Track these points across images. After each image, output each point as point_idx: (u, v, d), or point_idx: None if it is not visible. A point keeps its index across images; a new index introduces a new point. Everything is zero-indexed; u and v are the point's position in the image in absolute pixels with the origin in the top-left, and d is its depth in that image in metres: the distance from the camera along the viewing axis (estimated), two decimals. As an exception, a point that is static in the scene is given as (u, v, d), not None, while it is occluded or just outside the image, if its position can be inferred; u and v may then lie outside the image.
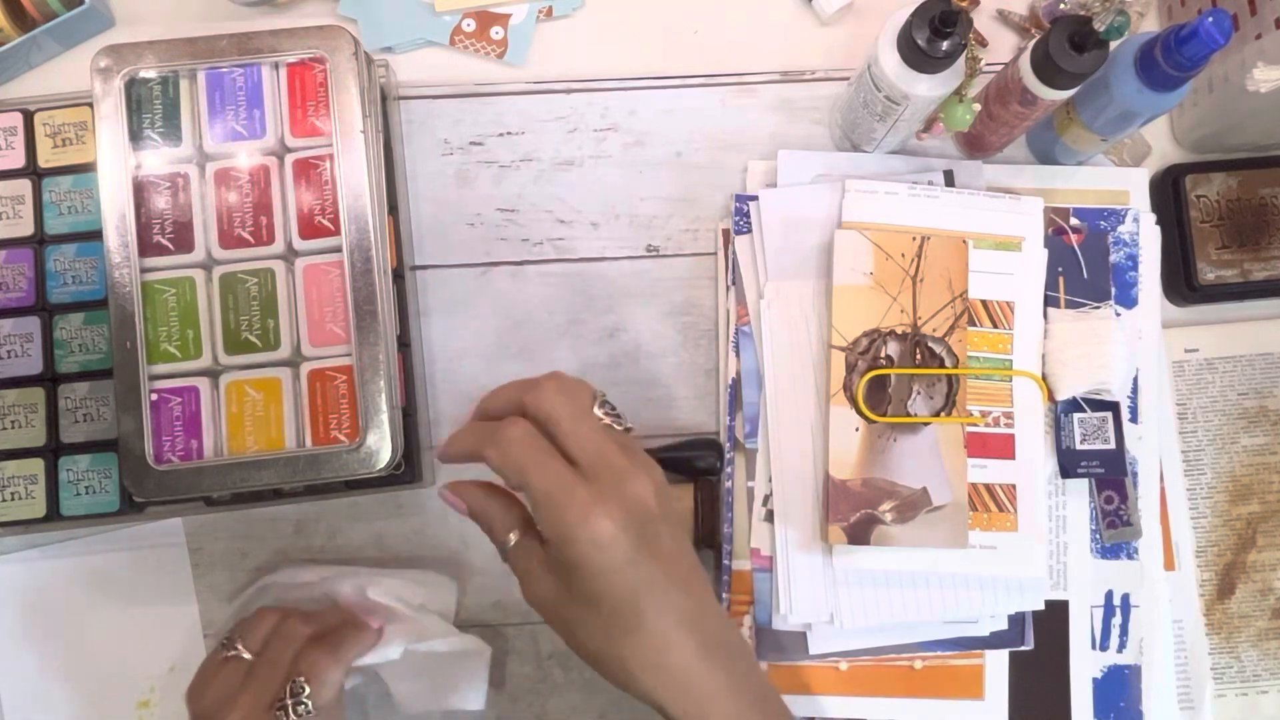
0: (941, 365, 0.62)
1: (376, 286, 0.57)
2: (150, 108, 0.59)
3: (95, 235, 0.62)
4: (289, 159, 0.59)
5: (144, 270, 0.58)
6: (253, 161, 0.59)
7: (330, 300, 0.58)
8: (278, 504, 0.65)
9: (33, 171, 0.63)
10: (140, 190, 0.58)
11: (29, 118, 0.64)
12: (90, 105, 0.63)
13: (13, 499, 0.61)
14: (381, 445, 0.56)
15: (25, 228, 0.63)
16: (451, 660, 0.61)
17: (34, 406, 0.62)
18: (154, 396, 0.57)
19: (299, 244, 0.59)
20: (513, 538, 0.49)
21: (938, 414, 0.62)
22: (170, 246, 0.58)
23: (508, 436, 0.47)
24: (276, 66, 0.60)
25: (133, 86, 0.59)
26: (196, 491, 0.57)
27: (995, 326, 0.64)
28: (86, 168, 0.63)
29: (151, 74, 0.59)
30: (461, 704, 0.62)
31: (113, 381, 0.57)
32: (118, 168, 0.57)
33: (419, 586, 0.63)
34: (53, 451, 0.62)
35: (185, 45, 0.58)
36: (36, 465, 0.61)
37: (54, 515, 0.61)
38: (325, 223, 0.58)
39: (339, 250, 0.58)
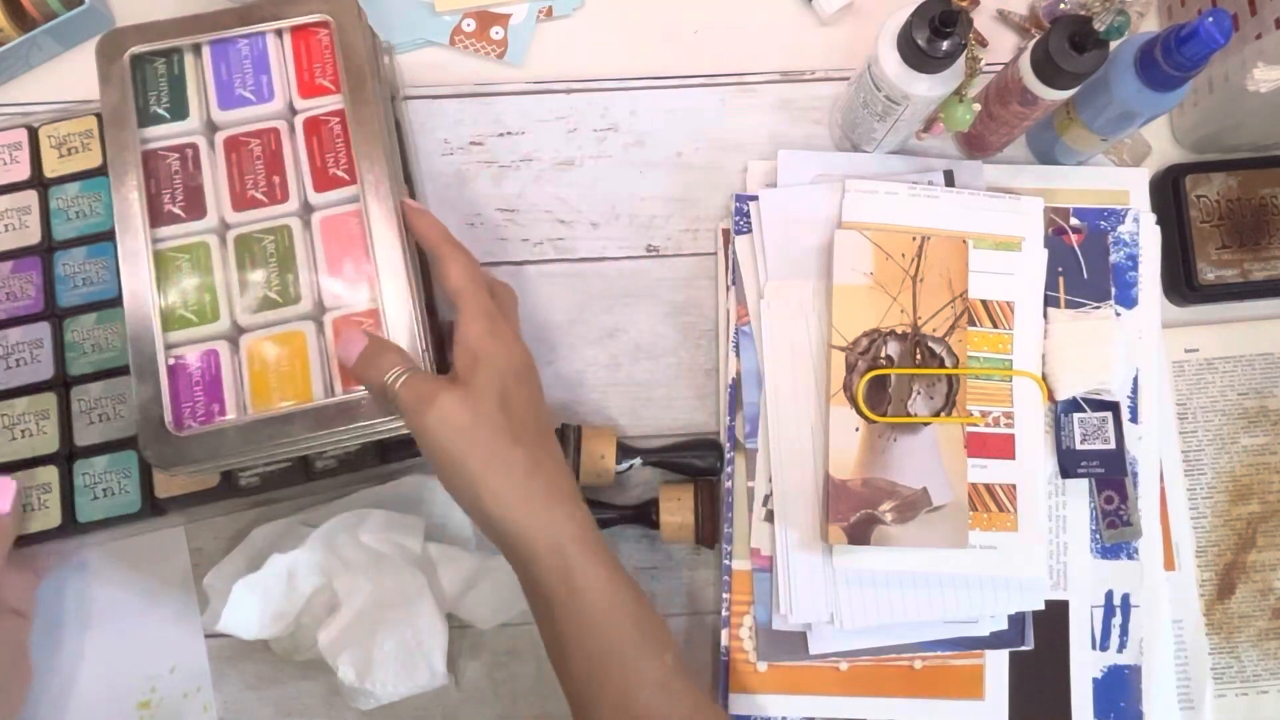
0: (941, 365, 0.62)
1: (396, 221, 0.56)
2: (156, 85, 0.59)
3: (105, 236, 0.62)
4: (299, 119, 0.59)
5: (156, 240, 0.57)
6: (262, 125, 0.59)
7: (351, 248, 0.57)
8: (307, 493, 0.63)
9: (38, 183, 0.64)
10: (149, 162, 0.58)
11: (33, 133, 0.64)
12: (96, 115, 0.64)
13: (26, 511, 0.60)
14: None
15: (32, 236, 0.63)
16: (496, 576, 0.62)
17: (45, 413, 0.61)
18: (171, 361, 0.55)
19: (314, 198, 0.58)
20: (400, 369, 0.52)
21: (938, 414, 0.62)
22: (182, 214, 0.57)
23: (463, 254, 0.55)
24: (280, 34, 0.60)
25: (138, 65, 0.59)
26: (221, 456, 0.54)
27: (995, 326, 0.64)
28: (94, 173, 0.63)
29: (156, 52, 0.59)
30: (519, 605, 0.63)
31: (128, 375, 0.55)
32: (126, 144, 0.57)
33: (399, 525, 0.62)
34: (67, 457, 0.60)
35: (189, 22, 0.59)
36: (50, 473, 0.60)
37: (70, 524, 0.60)
38: (340, 173, 0.58)
39: (356, 200, 0.57)
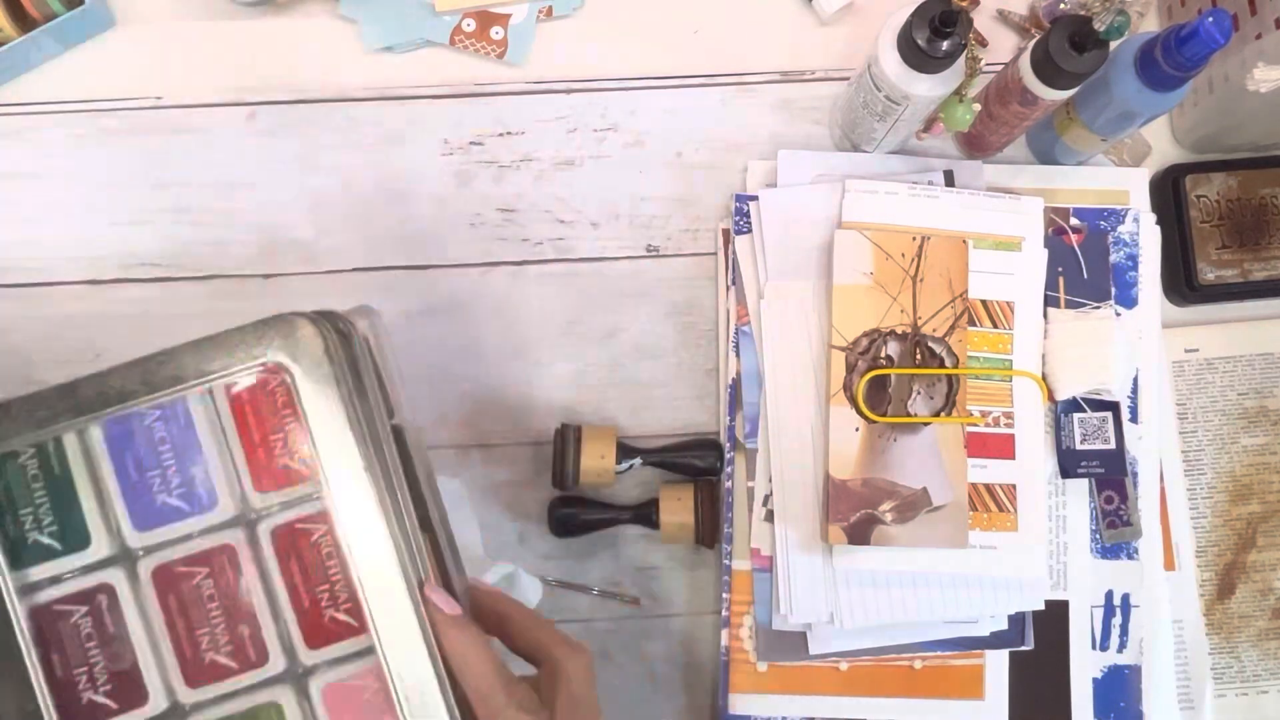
0: (941, 365, 0.62)
1: (440, 685, 0.40)
2: (29, 497, 0.41)
3: None
4: (262, 528, 0.41)
5: None
6: (206, 544, 0.41)
7: None
8: None
9: None
10: (44, 625, 0.40)
11: None
12: None
13: None
14: None
15: None
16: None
17: None
18: None
19: (307, 656, 0.41)
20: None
21: (938, 414, 0.62)
22: (112, 704, 0.40)
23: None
24: (211, 393, 0.41)
25: None
26: None
27: (995, 326, 0.64)
28: None
29: (19, 444, 0.41)
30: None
31: None
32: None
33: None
34: None
35: (60, 394, 0.40)
36: None
37: None
38: (341, 616, 0.41)
39: (371, 653, 0.40)
